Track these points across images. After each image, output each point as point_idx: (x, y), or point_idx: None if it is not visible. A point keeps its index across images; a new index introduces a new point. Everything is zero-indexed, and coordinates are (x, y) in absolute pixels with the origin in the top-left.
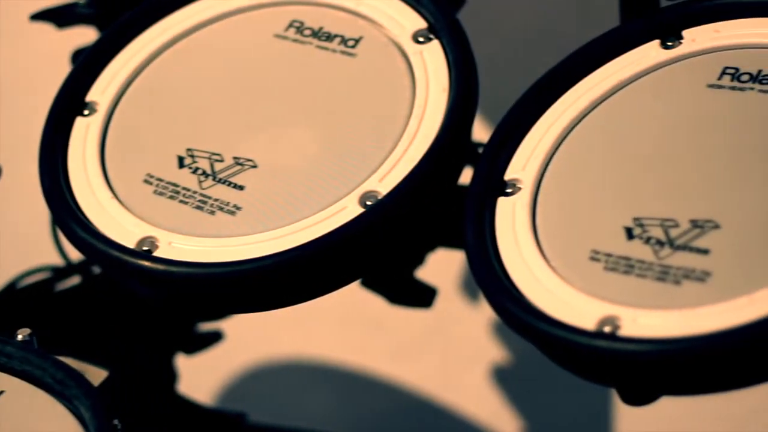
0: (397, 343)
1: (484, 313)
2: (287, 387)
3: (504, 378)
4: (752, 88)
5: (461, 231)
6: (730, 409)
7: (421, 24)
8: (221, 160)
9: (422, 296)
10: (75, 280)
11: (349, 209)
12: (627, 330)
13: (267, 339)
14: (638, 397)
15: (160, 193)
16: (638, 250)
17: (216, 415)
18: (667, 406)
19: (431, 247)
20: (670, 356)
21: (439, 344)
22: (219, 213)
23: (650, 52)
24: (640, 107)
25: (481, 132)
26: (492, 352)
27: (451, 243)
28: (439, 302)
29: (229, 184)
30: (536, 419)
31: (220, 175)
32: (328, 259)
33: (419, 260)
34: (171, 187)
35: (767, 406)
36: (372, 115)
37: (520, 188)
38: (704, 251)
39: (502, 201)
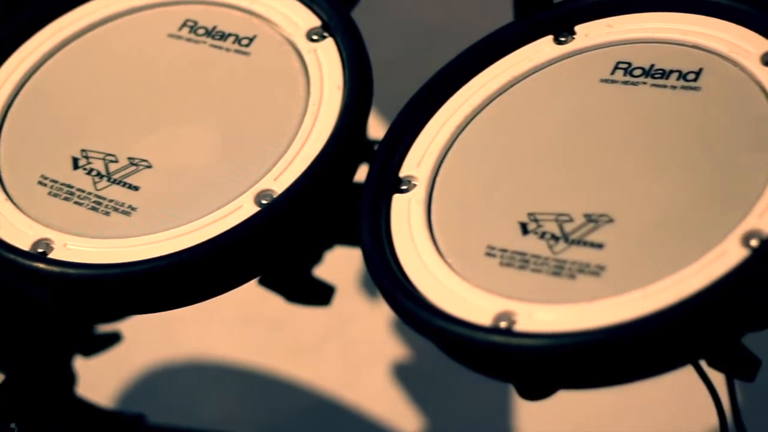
0: (296, 342)
1: (382, 310)
2: (186, 387)
3: (404, 375)
4: (645, 83)
5: (357, 229)
6: (627, 403)
7: (315, 22)
8: (116, 161)
9: (320, 294)
10: None
11: (245, 208)
12: (523, 325)
13: (166, 339)
14: (535, 391)
15: (55, 195)
16: (533, 245)
17: (114, 416)
18: (565, 400)
19: (328, 245)
20: (565, 350)
21: (338, 342)
22: (114, 214)
23: (544, 48)
24: (534, 103)
25: (378, 129)
26: (391, 349)
27: (347, 241)
28: (338, 300)
29: (124, 184)
30: (437, 416)
31: (115, 176)
32: (224, 258)
33: (317, 258)
34: (66, 189)
35: (665, 400)
36: (267, 113)
37: (415, 185)
38: (598, 245)
39: (397, 198)
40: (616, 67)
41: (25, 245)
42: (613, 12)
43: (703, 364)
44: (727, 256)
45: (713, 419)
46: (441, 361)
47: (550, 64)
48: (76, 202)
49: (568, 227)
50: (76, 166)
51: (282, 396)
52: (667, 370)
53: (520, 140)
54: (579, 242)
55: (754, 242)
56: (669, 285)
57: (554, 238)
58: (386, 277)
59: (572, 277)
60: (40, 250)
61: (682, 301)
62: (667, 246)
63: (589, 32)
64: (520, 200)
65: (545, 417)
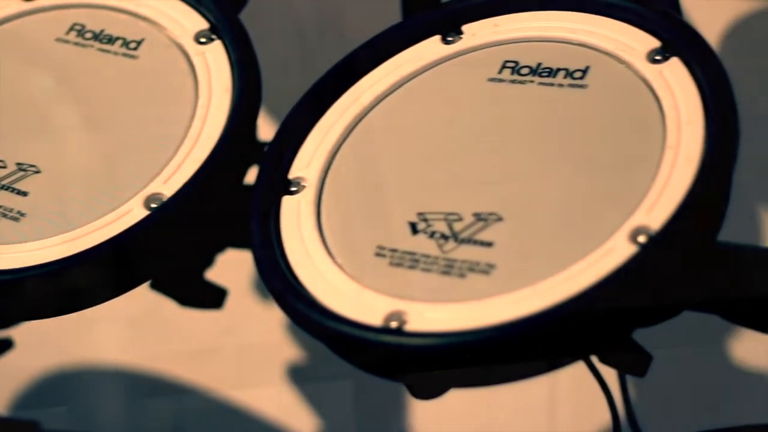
0: (189, 346)
1: (275, 312)
2: (80, 393)
3: (298, 377)
4: (532, 81)
5: (247, 231)
6: (520, 401)
7: (203, 24)
8: (4, 167)
9: (212, 297)
10: None
11: (134, 212)
12: (414, 324)
13: (58, 345)
14: (427, 391)
15: None
16: (423, 245)
17: (8, 424)
18: (458, 399)
19: (220, 248)
20: (455, 349)
21: (232, 345)
22: (2, 220)
23: (431, 47)
24: (423, 103)
25: (268, 131)
26: (286, 351)
27: (238, 243)
28: (230, 303)
29: (13, 190)
30: (331, 417)
31: (3, 182)
32: (114, 262)
33: (208, 261)
34: None
35: (557, 397)
36: (155, 117)
37: (304, 186)
38: (488, 244)
39: (287, 200)
40: (503, 66)
41: None
42: (501, 11)
43: (594, 360)
44: (614, 252)
45: (606, 416)
46: (334, 362)
47: (438, 64)
48: None
49: (458, 226)
50: None
51: (176, 400)
52: (559, 367)
53: (409, 140)
54: (468, 241)
55: (641, 238)
56: (558, 282)
57: (444, 237)
58: (276, 279)
59: (462, 275)
60: None
61: (570, 298)
62: (556, 244)
63: (476, 32)
64: (409, 200)
65: (438, 416)
